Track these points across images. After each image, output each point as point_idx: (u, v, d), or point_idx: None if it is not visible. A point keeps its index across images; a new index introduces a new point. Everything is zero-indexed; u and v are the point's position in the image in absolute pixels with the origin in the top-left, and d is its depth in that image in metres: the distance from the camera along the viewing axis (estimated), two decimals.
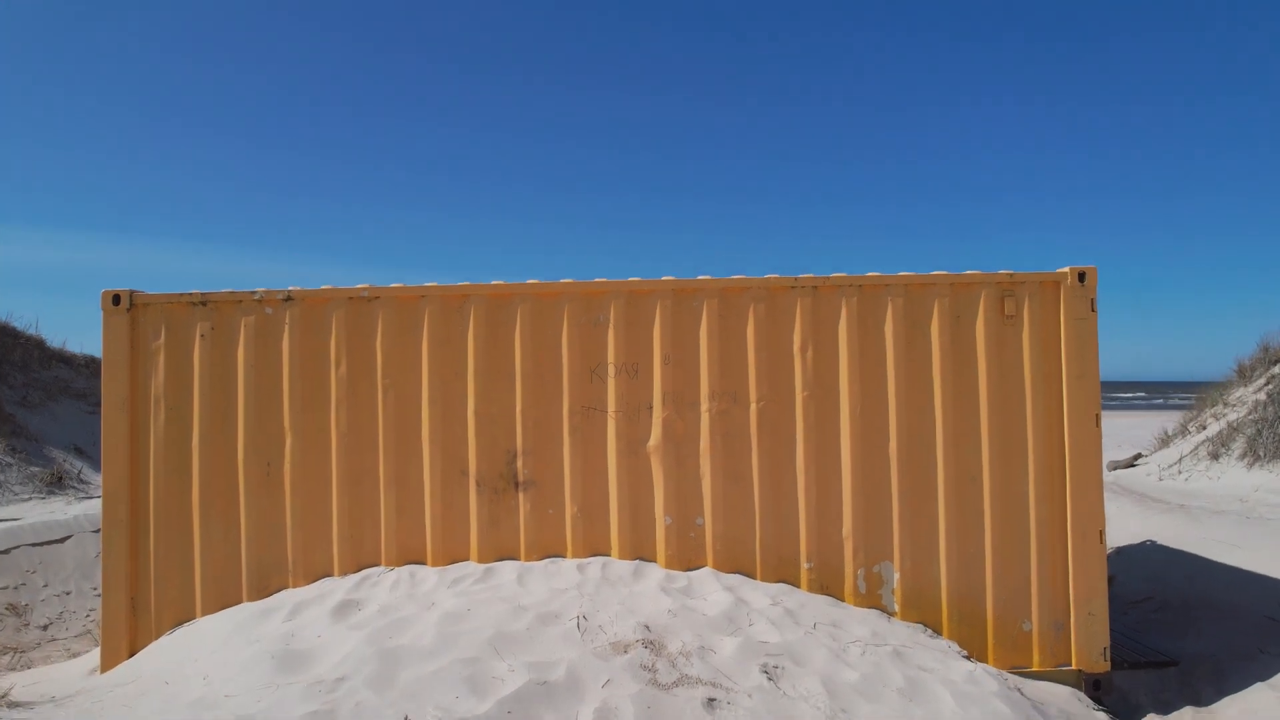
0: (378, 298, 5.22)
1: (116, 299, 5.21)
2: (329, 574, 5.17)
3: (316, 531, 5.18)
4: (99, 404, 12.72)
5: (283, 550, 5.17)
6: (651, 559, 5.16)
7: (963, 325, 5.18)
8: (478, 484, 5.18)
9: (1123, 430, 36.49)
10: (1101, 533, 5.11)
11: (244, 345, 5.21)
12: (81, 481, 10.59)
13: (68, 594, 7.83)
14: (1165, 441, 13.34)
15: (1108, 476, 11.72)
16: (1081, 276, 5.14)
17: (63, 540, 8.36)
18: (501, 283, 5.24)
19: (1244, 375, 12.70)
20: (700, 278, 5.22)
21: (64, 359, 13.06)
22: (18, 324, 12.70)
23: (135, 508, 5.18)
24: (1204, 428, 12.07)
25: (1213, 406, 12.62)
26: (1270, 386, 11.35)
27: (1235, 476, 9.57)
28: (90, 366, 13.32)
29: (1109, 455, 17.52)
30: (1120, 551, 7.82)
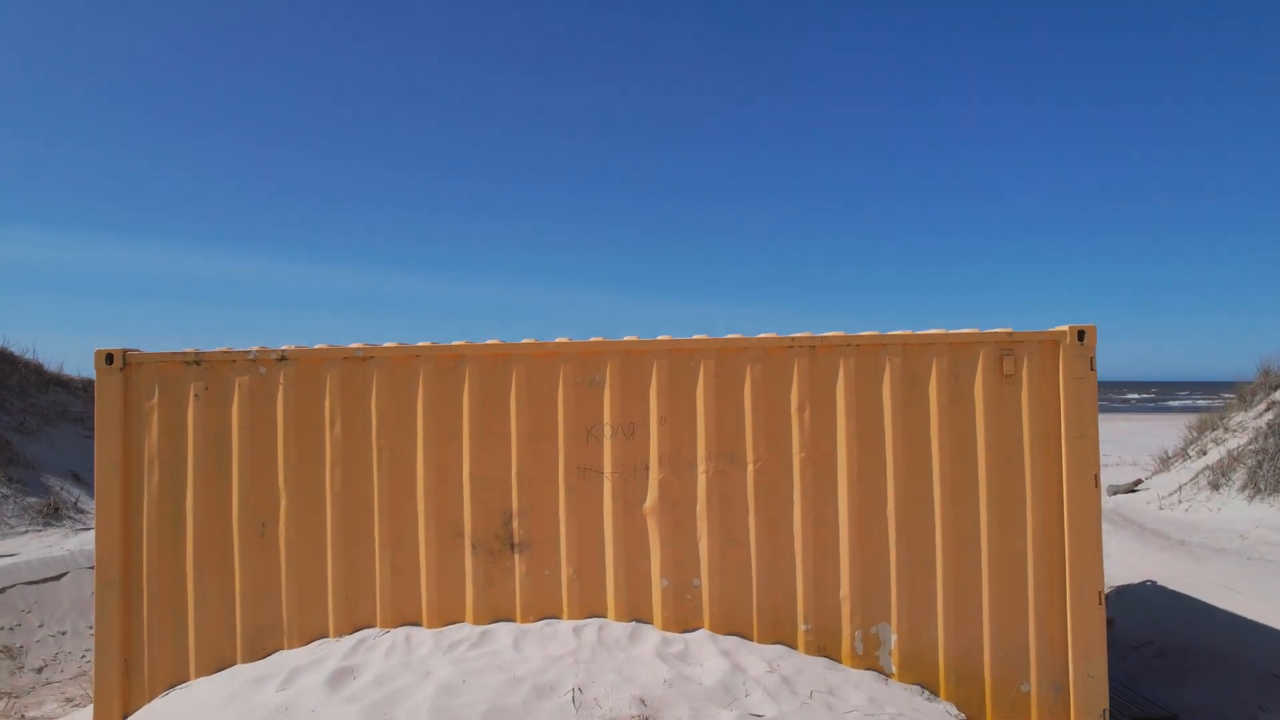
0: (372, 357, 5.19)
1: (110, 358, 5.19)
2: (324, 635, 5.15)
3: (311, 592, 5.16)
4: None
5: (277, 611, 5.14)
6: (648, 620, 5.13)
7: (961, 385, 5.14)
8: (473, 545, 5.16)
9: (1126, 438, 36.46)
10: (1100, 594, 5.08)
11: (238, 405, 5.18)
12: (79, 511, 10.57)
13: (63, 634, 7.82)
14: (1165, 464, 13.31)
15: (1108, 503, 11.69)
16: (1081, 335, 5.11)
17: (58, 578, 8.35)
18: (497, 342, 5.22)
19: (1244, 399, 12.68)
20: (697, 337, 5.20)
21: (61, 383, 13.05)
22: (15, 349, 12.69)
23: (128, 568, 5.16)
24: (1204, 453, 12.04)
25: (1213, 431, 12.59)
26: (1270, 414, 11.32)
27: (1235, 508, 9.54)
28: (88, 390, 13.29)
29: (1110, 473, 17.50)
30: (1121, 591, 7.79)
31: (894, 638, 5.07)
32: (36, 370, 12.71)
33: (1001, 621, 5.05)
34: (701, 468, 5.14)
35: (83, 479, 11.50)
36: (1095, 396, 5.14)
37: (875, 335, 5.17)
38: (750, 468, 5.13)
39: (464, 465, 5.17)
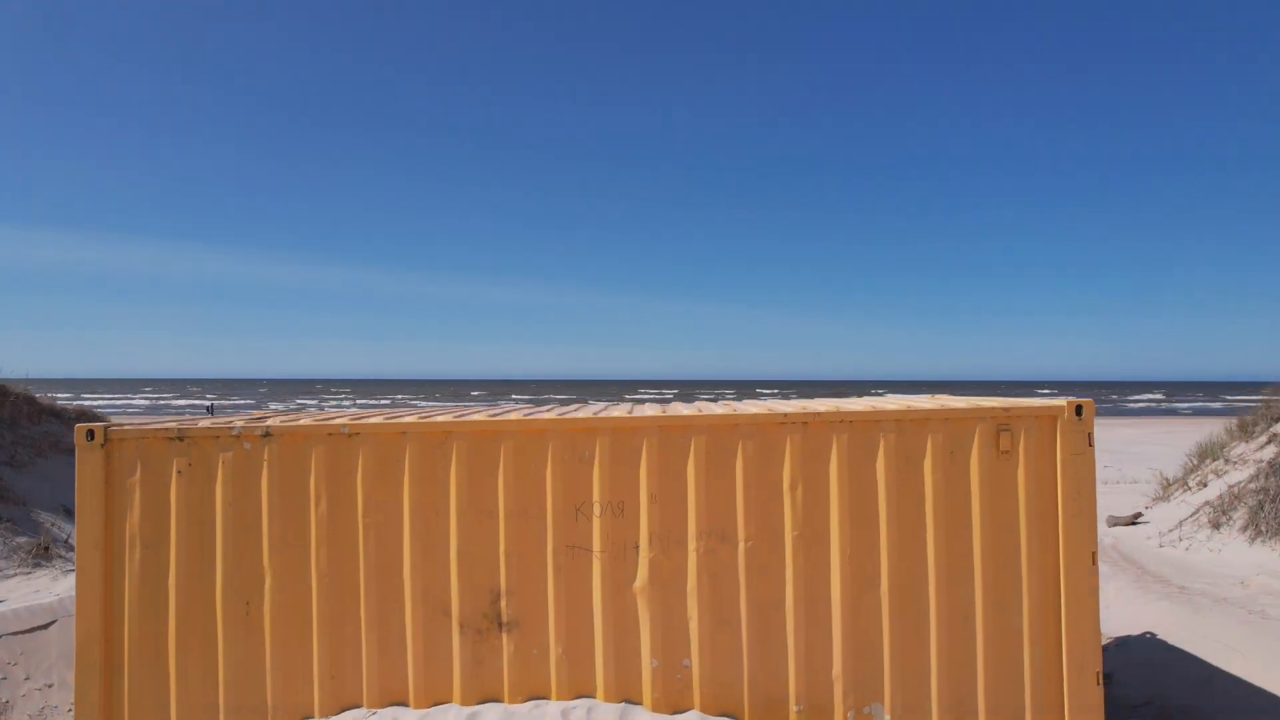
0: (358, 434, 5.11)
1: (91, 434, 5.09)
2: (310, 715, 5.06)
3: (297, 672, 5.07)
4: None
5: (262, 691, 5.06)
6: (638, 701, 5.04)
7: (957, 461, 5.06)
8: (461, 624, 5.07)
9: (1126, 446, 36.34)
10: (1098, 674, 5.00)
11: (222, 482, 5.10)
12: (69, 548, 10.47)
13: (50, 686, 7.72)
14: (1165, 492, 13.22)
15: (1107, 536, 11.61)
16: (1079, 410, 5.04)
17: (46, 626, 8.24)
18: (484, 418, 5.14)
19: (1245, 429, 12.60)
20: (687, 413, 5.12)
21: (54, 413, 12.96)
22: (6, 379, 12.61)
23: (110, 649, 5.07)
24: (1204, 484, 11.96)
25: (1213, 461, 12.51)
26: (1272, 447, 11.23)
27: (1236, 550, 9.46)
28: (82, 419, 13.21)
29: (1108, 492, 17.41)
30: (1121, 644, 7.70)
31: (887, 718, 4.98)
32: (29, 401, 12.63)
33: (998, 701, 4.96)
34: (692, 546, 5.06)
35: (74, 513, 11.41)
36: (1093, 472, 5.07)
37: (869, 410, 5.09)
38: (741, 546, 5.05)
39: (451, 543, 5.09)
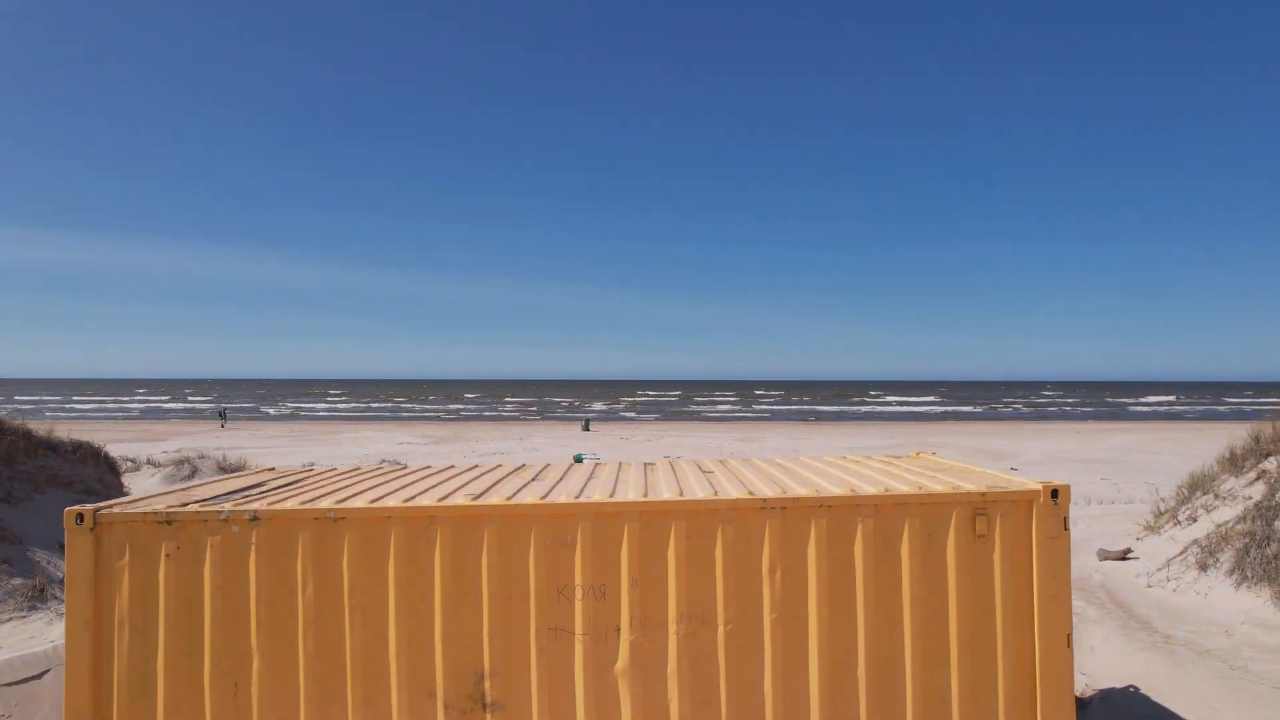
0: (344, 518, 5.18)
1: (80, 517, 5.17)
2: None
3: None
4: (86, 492, 12.54)
5: None
6: None
7: (934, 545, 5.14)
8: (445, 705, 5.14)
9: (1125, 455, 36.35)
10: None
11: (210, 565, 5.17)
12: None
13: None
14: (1156, 522, 13.28)
15: (1097, 573, 11.68)
16: (1054, 494, 5.12)
17: (40, 676, 8.31)
18: (468, 503, 5.21)
19: (1234, 463, 12.66)
20: (667, 499, 5.19)
21: (51, 446, 13.03)
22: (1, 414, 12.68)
23: None
24: (1194, 519, 12.02)
25: (1203, 495, 12.57)
26: (1260, 485, 11.29)
27: (1223, 595, 9.52)
28: (77, 452, 13.29)
29: (1100, 515, 17.47)
30: (1105, 696, 7.77)
31: None
32: (25, 435, 12.70)
33: None
34: (672, 629, 5.13)
35: None
36: (1068, 557, 5.15)
37: (848, 496, 5.16)
38: (721, 629, 5.12)
39: (436, 625, 5.16)
